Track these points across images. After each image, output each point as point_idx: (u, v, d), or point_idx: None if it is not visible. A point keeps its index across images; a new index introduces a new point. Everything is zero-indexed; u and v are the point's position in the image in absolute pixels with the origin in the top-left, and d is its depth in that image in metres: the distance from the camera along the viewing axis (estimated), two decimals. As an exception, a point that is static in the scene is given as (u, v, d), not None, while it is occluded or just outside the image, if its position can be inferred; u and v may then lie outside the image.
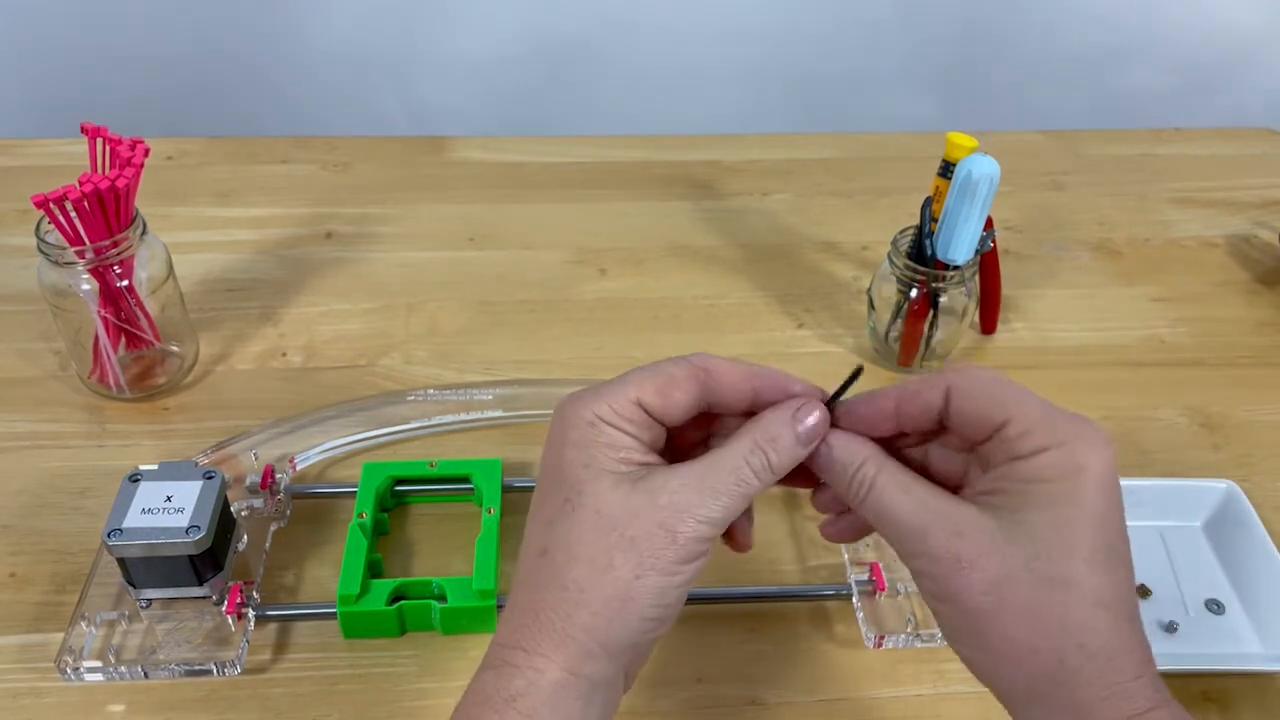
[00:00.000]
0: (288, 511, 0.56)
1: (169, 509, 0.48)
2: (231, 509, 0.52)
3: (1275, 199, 0.87)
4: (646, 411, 0.36)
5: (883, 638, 0.50)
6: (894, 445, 0.38)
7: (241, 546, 0.53)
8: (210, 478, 0.50)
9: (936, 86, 1.08)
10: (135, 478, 0.49)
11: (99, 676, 0.48)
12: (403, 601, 0.50)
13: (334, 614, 0.50)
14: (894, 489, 0.35)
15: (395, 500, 0.57)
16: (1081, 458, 0.33)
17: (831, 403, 0.37)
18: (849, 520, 0.39)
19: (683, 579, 0.34)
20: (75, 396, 0.64)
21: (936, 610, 0.34)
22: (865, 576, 0.52)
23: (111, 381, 0.62)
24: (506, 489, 0.56)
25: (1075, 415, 0.34)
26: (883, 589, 0.52)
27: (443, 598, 0.50)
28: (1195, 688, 0.50)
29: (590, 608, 0.34)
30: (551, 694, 0.33)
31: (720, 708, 0.49)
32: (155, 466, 0.50)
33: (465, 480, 0.57)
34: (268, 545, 0.54)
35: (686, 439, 0.39)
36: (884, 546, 0.55)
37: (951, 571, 0.33)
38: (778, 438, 0.35)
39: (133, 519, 0.48)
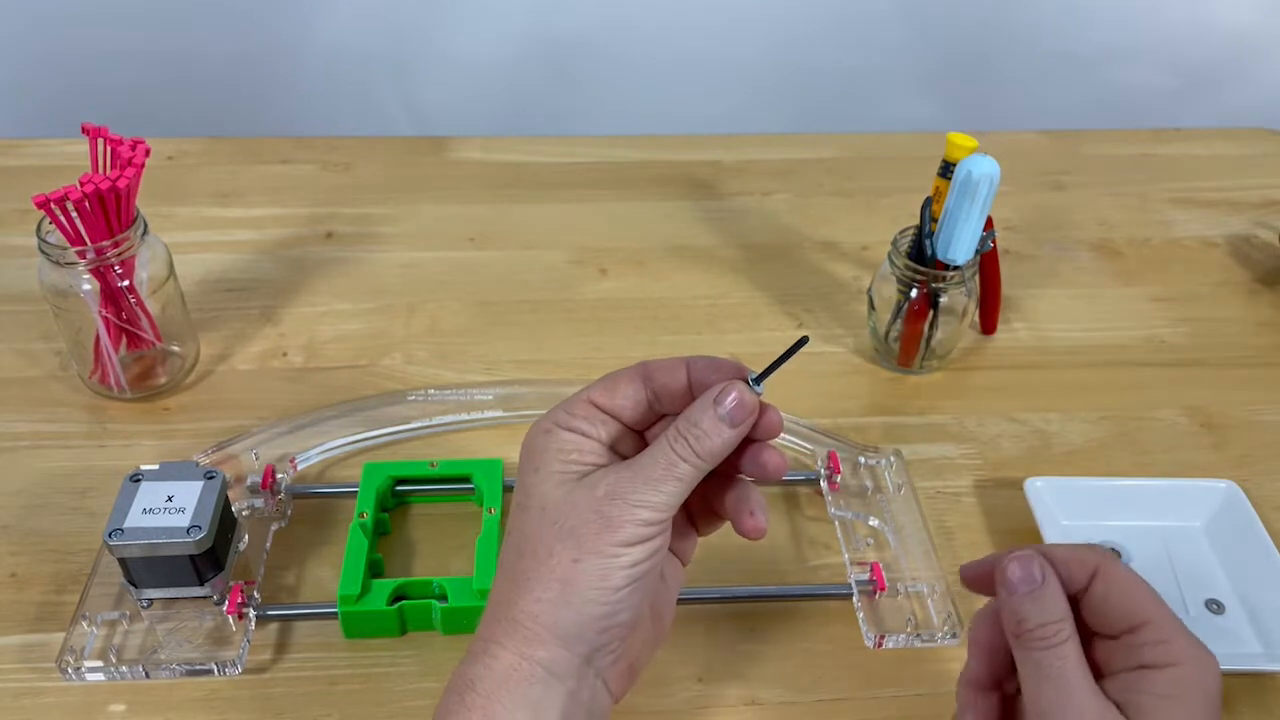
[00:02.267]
0: (288, 511, 0.56)
1: (170, 509, 0.48)
2: (232, 509, 0.52)
3: (1275, 199, 0.87)
4: (597, 407, 0.38)
5: (883, 637, 0.50)
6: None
7: (242, 546, 0.53)
8: (211, 477, 0.50)
9: (936, 86, 1.08)
10: (136, 477, 0.50)
11: (100, 676, 0.48)
12: (403, 601, 0.50)
13: (335, 614, 0.50)
14: (1079, 661, 0.36)
15: (396, 500, 0.57)
16: (1207, 681, 0.35)
17: (762, 378, 0.38)
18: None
19: (626, 561, 0.36)
20: (76, 396, 0.64)
21: None
22: (865, 576, 0.53)
23: (112, 381, 0.62)
24: (507, 488, 0.56)
25: (1193, 635, 0.36)
26: (883, 589, 0.52)
27: (443, 597, 0.50)
28: (1195, 687, 0.50)
29: (533, 594, 0.36)
30: (505, 677, 0.36)
31: (720, 708, 0.49)
32: (156, 466, 0.50)
33: (466, 480, 0.57)
34: (268, 545, 0.54)
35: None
36: (884, 546, 0.55)
37: None
38: (698, 422, 0.37)
39: (134, 519, 0.48)
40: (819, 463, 0.60)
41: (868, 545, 0.55)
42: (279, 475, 0.56)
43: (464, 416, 0.62)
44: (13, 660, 0.50)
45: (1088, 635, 0.37)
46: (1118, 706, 0.35)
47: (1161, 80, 1.08)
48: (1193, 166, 0.92)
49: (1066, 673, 0.35)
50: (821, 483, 0.59)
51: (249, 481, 0.56)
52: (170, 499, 0.48)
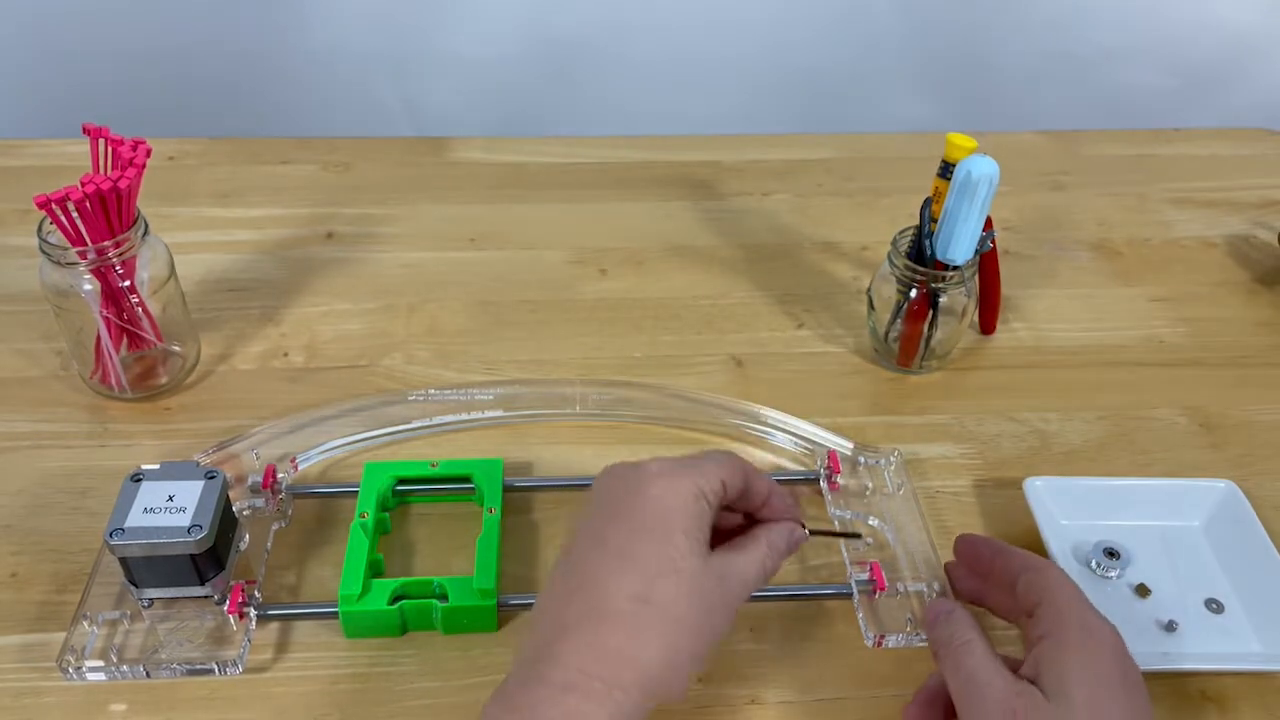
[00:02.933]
0: (289, 511, 0.56)
1: (171, 508, 0.48)
2: (234, 509, 0.52)
3: (1274, 199, 0.88)
4: (725, 491, 0.44)
5: (883, 637, 0.51)
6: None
7: (243, 546, 0.53)
8: (212, 477, 0.50)
9: (936, 86, 1.08)
10: (137, 477, 0.50)
11: (101, 676, 0.48)
12: (404, 601, 0.50)
13: (336, 613, 0.50)
14: (982, 654, 0.43)
15: (397, 500, 0.57)
16: (1104, 635, 0.42)
17: (812, 533, 0.48)
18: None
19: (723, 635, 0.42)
20: (77, 396, 0.64)
21: None
22: (865, 576, 0.53)
23: (113, 381, 0.62)
24: (507, 488, 0.57)
25: (1093, 607, 0.43)
26: (882, 588, 0.52)
27: (444, 597, 0.50)
28: (1194, 687, 0.50)
29: (676, 668, 0.40)
30: None
31: (720, 708, 0.49)
32: (157, 466, 0.50)
33: (466, 480, 0.57)
34: (269, 545, 0.54)
35: None
36: (884, 546, 0.55)
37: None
38: (779, 546, 0.45)
39: (134, 518, 0.48)
40: (819, 463, 0.60)
41: (867, 545, 0.55)
42: (280, 475, 0.56)
43: (464, 416, 0.62)
44: (13, 660, 0.50)
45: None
46: (1032, 682, 0.41)
47: (1161, 80, 1.08)
48: (1192, 166, 0.92)
49: (974, 663, 0.42)
50: (821, 483, 0.59)
51: (250, 481, 0.56)
52: (171, 499, 0.48)
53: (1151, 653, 0.49)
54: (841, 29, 1.03)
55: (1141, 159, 0.93)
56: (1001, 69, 1.07)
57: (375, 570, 0.53)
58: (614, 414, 0.63)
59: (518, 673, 0.39)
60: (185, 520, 0.48)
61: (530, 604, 0.52)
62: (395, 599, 0.50)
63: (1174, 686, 0.50)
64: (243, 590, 0.50)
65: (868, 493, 0.58)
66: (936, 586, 0.52)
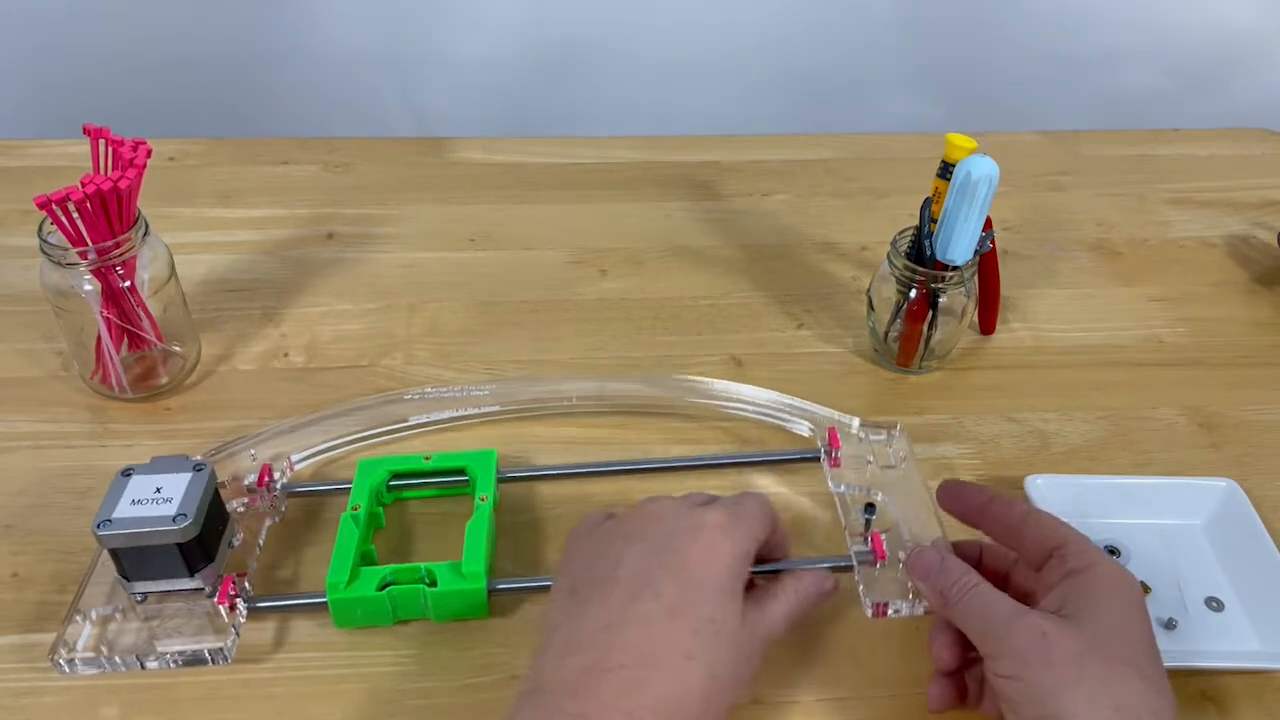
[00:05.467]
0: (283, 508, 0.56)
1: (158, 499, 0.48)
2: (227, 507, 0.52)
3: (1274, 199, 0.88)
4: (759, 543, 0.46)
5: (883, 605, 0.49)
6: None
7: (236, 542, 0.53)
8: (200, 469, 0.50)
9: (936, 87, 1.09)
10: (128, 472, 0.50)
11: (92, 669, 0.48)
12: (392, 587, 0.50)
13: (325, 604, 0.50)
14: (991, 590, 0.44)
15: (392, 495, 0.57)
16: (1130, 584, 0.43)
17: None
18: (953, 684, 0.47)
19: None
20: (77, 397, 0.64)
21: (1010, 694, 0.41)
22: (865, 548, 0.51)
23: (114, 382, 0.62)
24: (501, 479, 0.57)
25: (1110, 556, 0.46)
26: (882, 558, 0.51)
27: (433, 583, 0.50)
28: (1194, 685, 0.50)
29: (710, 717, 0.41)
30: None
31: (720, 706, 0.49)
32: (149, 462, 0.51)
33: (460, 473, 0.57)
34: (262, 540, 0.54)
35: None
36: (885, 519, 0.54)
37: (1036, 645, 0.40)
38: (810, 596, 0.48)
39: (122, 509, 0.48)
40: (819, 440, 0.59)
41: (868, 519, 0.54)
42: (276, 474, 0.56)
43: (461, 413, 0.62)
44: (14, 660, 0.50)
45: (1022, 580, 0.47)
46: (1056, 613, 0.42)
47: (1161, 80, 1.08)
48: (1191, 167, 0.92)
49: (987, 600, 0.43)
50: (822, 459, 0.58)
51: (246, 480, 0.56)
52: (159, 490, 0.49)
53: (1151, 652, 0.49)
54: (841, 29, 1.03)
55: (1141, 159, 0.93)
56: (1002, 69, 1.07)
57: (366, 560, 0.53)
58: (612, 400, 0.63)
59: (549, 700, 0.40)
60: (171, 510, 0.48)
61: (521, 589, 0.53)
62: (384, 585, 0.50)
63: (1174, 685, 0.50)
64: (233, 583, 0.50)
65: (869, 468, 0.57)
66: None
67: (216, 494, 0.51)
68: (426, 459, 0.57)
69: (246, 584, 0.51)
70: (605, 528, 0.47)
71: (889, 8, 1.02)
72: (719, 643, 0.42)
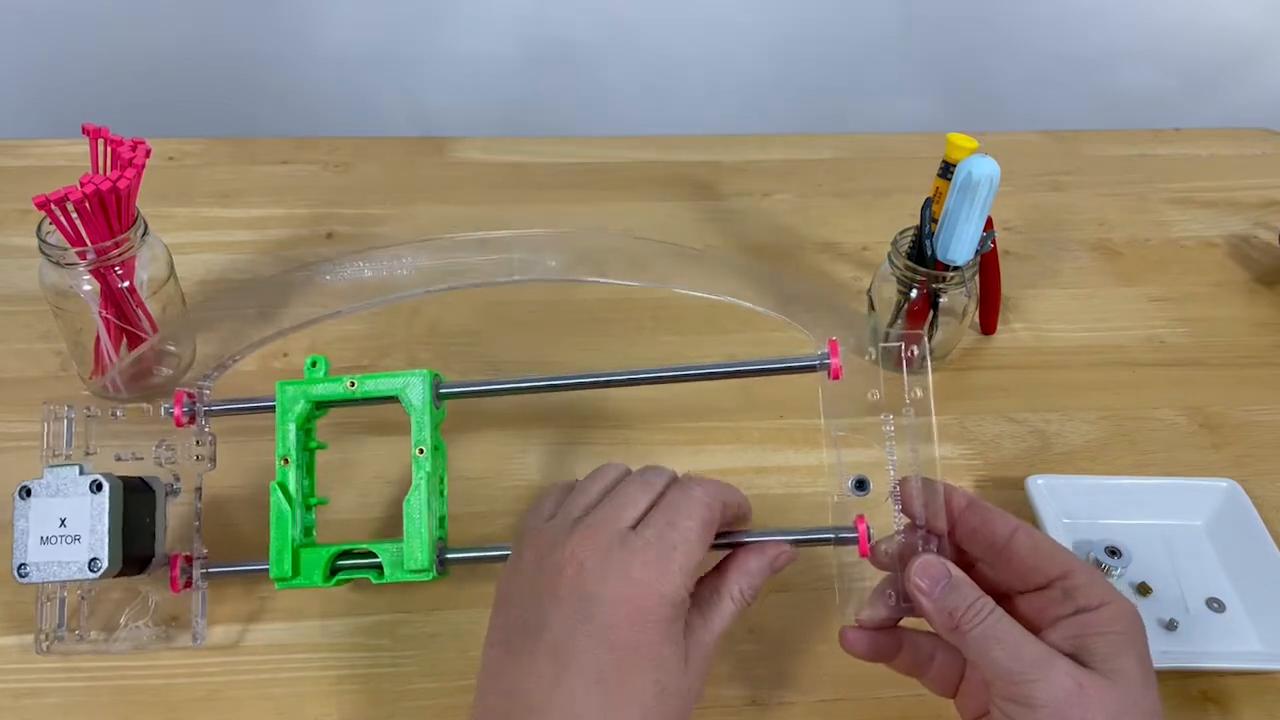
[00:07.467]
0: (211, 439, 0.52)
1: (65, 537, 0.45)
2: (147, 481, 0.50)
3: (1275, 199, 0.88)
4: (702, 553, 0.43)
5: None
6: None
7: (171, 507, 0.50)
8: (99, 490, 0.46)
9: (936, 87, 1.08)
10: (26, 493, 0.47)
11: (63, 648, 0.49)
12: (341, 574, 0.49)
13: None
14: (1010, 621, 0.40)
15: (321, 413, 0.52)
16: (1137, 621, 0.40)
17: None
18: (882, 637, 0.44)
19: None
20: (77, 397, 0.64)
21: None
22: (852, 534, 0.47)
23: (108, 383, 0.62)
24: (441, 399, 0.51)
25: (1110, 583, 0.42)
26: (865, 554, 0.46)
27: (379, 568, 0.48)
28: (1195, 686, 0.50)
29: None
30: None
31: (720, 708, 0.49)
32: (44, 479, 0.47)
33: (393, 400, 0.50)
34: (199, 503, 0.51)
35: None
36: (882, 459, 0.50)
37: (1073, 701, 0.37)
38: (756, 579, 0.45)
39: (35, 552, 0.45)
40: (817, 352, 0.52)
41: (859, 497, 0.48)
42: (194, 403, 0.52)
43: (380, 299, 0.55)
44: (14, 660, 0.50)
45: (1011, 595, 0.43)
46: (1070, 656, 0.39)
47: (1161, 80, 1.08)
48: (1192, 167, 0.92)
49: (1007, 631, 0.39)
50: (820, 378, 0.51)
51: (162, 412, 0.52)
52: (63, 523, 0.46)
53: (1153, 651, 0.48)
54: (842, 29, 1.03)
55: (1141, 159, 0.93)
56: (1002, 69, 1.07)
57: (306, 530, 0.50)
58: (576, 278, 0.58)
59: None
60: (83, 554, 0.45)
61: (478, 557, 0.50)
62: (332, 570, 0.48)
63: (1175, 685, 0.50)
64: (179, 565, 0.49)
65: (873, 397, 0.50)
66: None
67: (127, 500, 0.48)
68: (350, 386, 0.50)
69: (195, 566, 0.50)
70: (537, 569, 0.42)
71: (889, 7, 1.02)
72: (663, 700, 0.39)
